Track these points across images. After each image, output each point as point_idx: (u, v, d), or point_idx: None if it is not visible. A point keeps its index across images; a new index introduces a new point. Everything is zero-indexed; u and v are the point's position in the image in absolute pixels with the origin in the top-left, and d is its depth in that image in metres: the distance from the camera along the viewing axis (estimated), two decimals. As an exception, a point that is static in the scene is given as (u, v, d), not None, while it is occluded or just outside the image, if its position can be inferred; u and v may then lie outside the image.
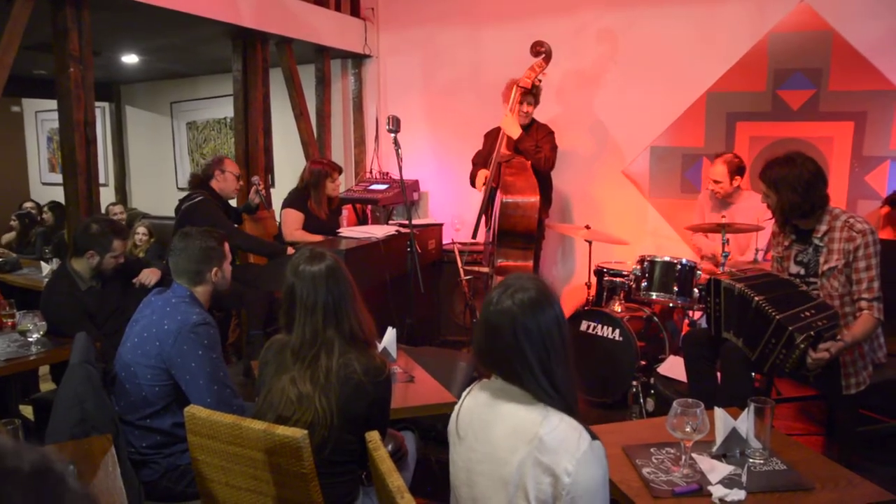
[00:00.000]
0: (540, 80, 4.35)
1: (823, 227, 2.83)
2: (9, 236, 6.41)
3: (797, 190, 2.78)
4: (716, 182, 4.11)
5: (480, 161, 4.61)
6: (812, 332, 2.52)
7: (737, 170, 4.08)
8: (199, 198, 4.11)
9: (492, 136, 4.60)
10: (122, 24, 4.67)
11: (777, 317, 2.55)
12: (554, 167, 4.42)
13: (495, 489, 1.54)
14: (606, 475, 1.51)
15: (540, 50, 4.30)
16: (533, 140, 4.33)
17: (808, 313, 2.58)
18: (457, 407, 1.71)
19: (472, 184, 4.64)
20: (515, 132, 4.26)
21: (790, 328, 2.52)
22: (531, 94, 4.34)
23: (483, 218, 4.56)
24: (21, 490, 0.62)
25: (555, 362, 1.55)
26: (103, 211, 5.20)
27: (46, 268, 4.68)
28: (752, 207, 3.94)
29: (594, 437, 1.50)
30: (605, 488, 1.51)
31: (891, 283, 2.85)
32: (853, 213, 2.83)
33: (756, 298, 2.63)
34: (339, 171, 4.64)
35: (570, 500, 1.45)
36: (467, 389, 1.72)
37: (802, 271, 2.94)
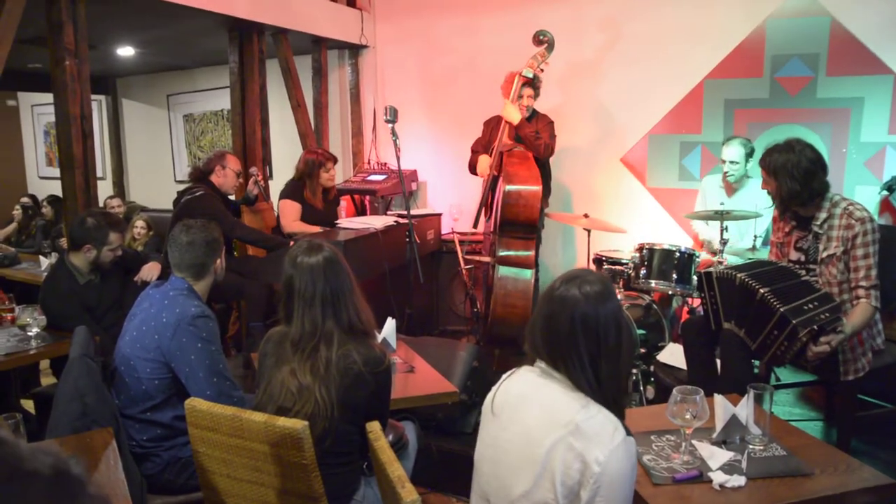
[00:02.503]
0: (542, 70, 4.33)
1: (823, 215, 2.82)
2: (9, 229, 6.42)
3: (796, 177, 2.77)
4: (732, 163, 4.09)
5: (480, 149, 4.59)
6: (815, 327, 2.51)
7: (750, 152, 4.08)
8: (199, 192, 4.09)
9: (491, 123, 4.58)
10: (117, 17, 4.64)
11: (781, 309, 2.54)
12: (553, 154, 4.41)
13: (522, 468, 1.56)
14: (635, 471, 1.53)
15: (543, 39, 4.27)
16: (533, 128, 4.32)
17: (811, 305, 2.57)
18: (495, 387, 1.73)
19: (472, 171, 4.62)
20: (516, 118, 4.24)
21: (794, 321, 2.50)
22: (532, 84, 4.32)
23: (483, 208, 4.55)
24: (41, 493, 0.62)
25: (604, 357, 1.57)
26: (101, 204, 5.20)
27: (45, 262, 4.67)
28: (755, 195, 3.94)
29: (629, 432, 1.52)
30: (632, 484, 1.53)
31: (889, 270, 2.86)
32: (852, 201, 2.82)
33: (761, 290, 2.61)
34: (334, 160, 4.62)
35: (595, 488, 1.47)
36: (509, 372, 1.74)
37: (802, 258, 2.94)
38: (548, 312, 1.62)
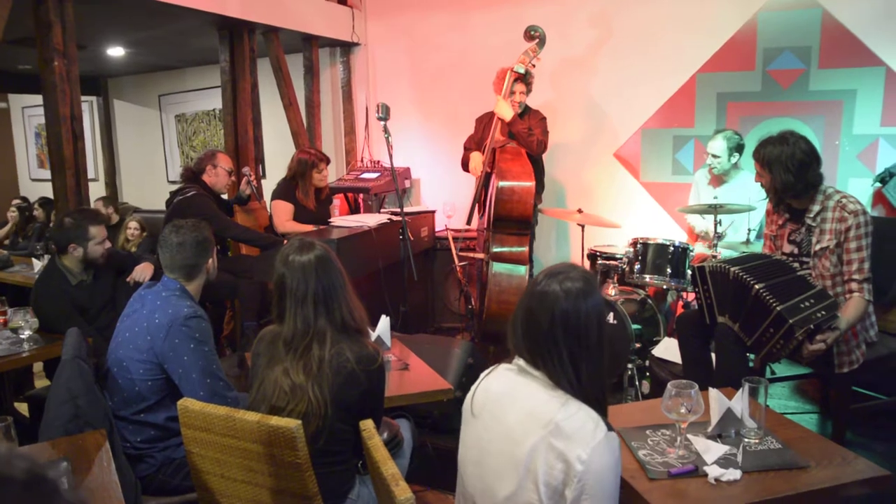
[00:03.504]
0: (533, 66, 4.32)
1: (816, 207, 2.82)
2: (5, 230, 6.39)
3: (790, 169, 2.77)
4: (714, 157, 4.10)
5: (473, 146, 4.59)
6: (811, 326, 2.51)
7: (736, 147, 4.07)
8: (192, 192, 4.08)
9: (483, 120, 4.57)
10: (106, 17, 4.62)
11: (778, 307, 2.52)
12: (546, 151, 4.41)
13: (505, 469, 1.55)
14: (619, 466, 1.51)
15: (534, 35, 4.27)
16: (526, 124, 4.32)
17: (807, 303, 2.56)
18: (474, 386, 1.72)
19: (465, 168, 4.61)
20: (508, 114, 4.24)
21: (790, 321, 2.49)
22: (524, 80, 4.32)
23: (476, 205, 4.54)
24: (14, 497, 0.62)
25: (584, 357, 1.55)
26: (91, 206, 5.17)
27: (38, 264, 4.65)
28: (747, 187, 3.94)
29: (610, 428, 1.51)
30: (617, 479, 1.51)
31: (882, 262, 2.86)
32: (846, 193, 2.81)
33: (756, 286, 2.59)
34: (327, 161, 4.60)
35: (580, 487, 1.45)
36: (487, 370, 1.73)
37: (795, 250, 2.94)
38: (528, 307, 1.60)
